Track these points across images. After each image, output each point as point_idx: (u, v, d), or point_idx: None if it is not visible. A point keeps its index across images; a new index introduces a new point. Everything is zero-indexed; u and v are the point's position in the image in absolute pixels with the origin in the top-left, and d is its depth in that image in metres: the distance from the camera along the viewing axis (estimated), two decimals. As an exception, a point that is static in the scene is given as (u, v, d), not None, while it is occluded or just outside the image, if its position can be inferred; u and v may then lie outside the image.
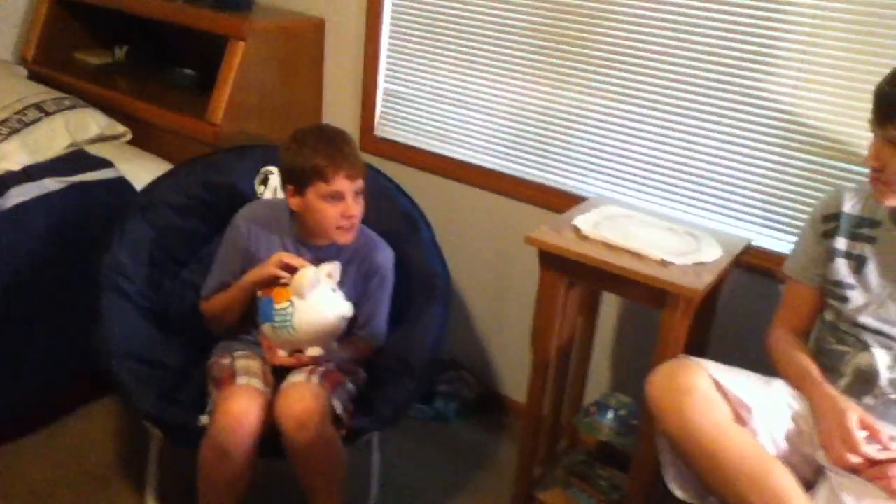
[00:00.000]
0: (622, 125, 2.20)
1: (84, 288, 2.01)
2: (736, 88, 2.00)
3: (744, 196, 2.06)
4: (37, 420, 2.31)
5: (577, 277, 1.92)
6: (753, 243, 2.01)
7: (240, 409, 1.71)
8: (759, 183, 2.03)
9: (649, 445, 1.77)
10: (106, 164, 2.44)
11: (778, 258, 1.90)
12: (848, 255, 1.64)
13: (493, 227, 2.51)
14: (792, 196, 1.99)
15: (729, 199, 2.08)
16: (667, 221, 2.02)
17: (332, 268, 1.87)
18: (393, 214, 2.19)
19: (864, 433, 1.49)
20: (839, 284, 1.64)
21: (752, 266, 2.03)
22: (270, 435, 1.74)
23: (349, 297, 1.93)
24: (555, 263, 1.89)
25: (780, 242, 2.01)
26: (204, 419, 1.78)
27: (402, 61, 2.58)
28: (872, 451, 1.48)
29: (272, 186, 2.19)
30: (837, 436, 1.50)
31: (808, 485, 1.52)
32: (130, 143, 2.67)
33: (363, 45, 2.62)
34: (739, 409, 1.53)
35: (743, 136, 2.02)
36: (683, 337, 1.77)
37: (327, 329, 1.85)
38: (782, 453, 1.55)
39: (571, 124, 2.29)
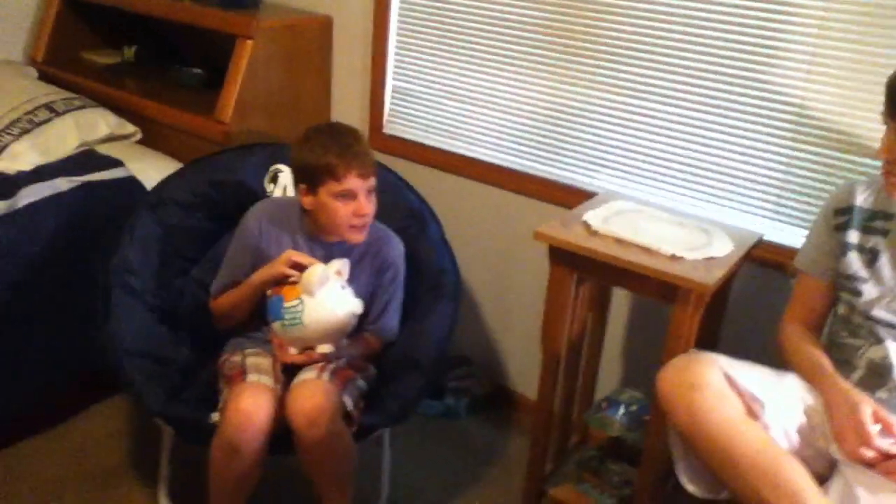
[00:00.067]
0: (631, 119, 2.19)
1: (92, 285, 2.01)
2: (746, 81, 1.99)
3: (755, 190, 2.05)
4: (44, 420, 2.32)
5: (587, 273, 1.92)
6: (765, 237, 2.00)
7: (250, 406, 1.71)
8: (770, 176, 2.02)
9: (660, 440, 1.77)
10: (116, 163, 2.45)
11: (789, 252, 1.89)
12: (860, 249, 1.63)
13: (503, 223, 2.51)
14: (803, 189, 1.98)
15: (740, 193, 2.07)
16: (677, 216, 2.01)
17: (341, 265, 1.87)
18: (402, 211, 2.19)
19: (877, 427, 1.48)
20: (852, 278, 1.63)
21: (763, 260, 2.02)
22: (280, 432, 1.75)
23: (363, 293, 1.93)
24: (564, 259, 1.88)
25: (792, 236, 2.00)
26: (215, 416, 1.78)
27: (409, 58, 2.58)
28: (886, 444, 1.46)
29: (281, 184, 2.19)
30: (851, 429, 1.49)
31: (822, 479, 1.51)
32: (140, 142, 2.67)
33: (371, 43, 2.62)
34: (751, 404, 1.52)
35: (753, 129, 2.01)
36: (694, 332, 1.76)
37: (337, 326, 1.85)
38: (795, 447, 1.54)
39: (580, 119, 2.28)
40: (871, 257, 1.61)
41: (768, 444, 1.47)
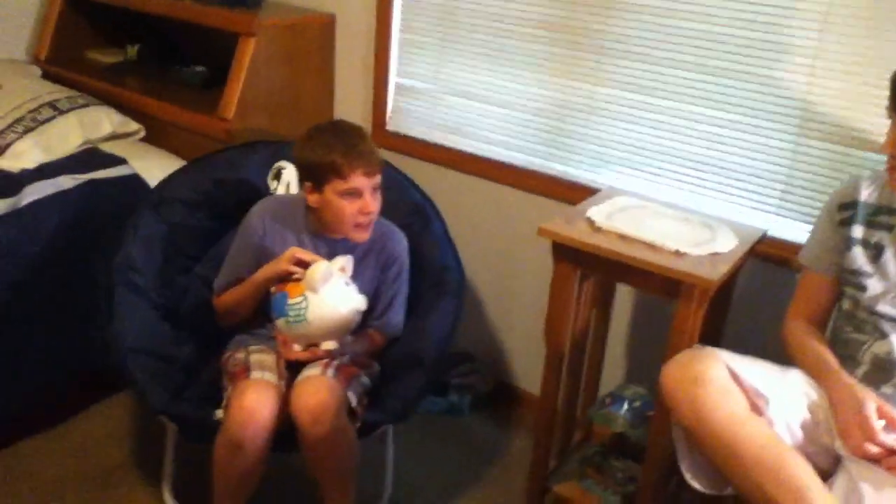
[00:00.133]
0: (634, 115, 2.19)
1: (95, 283, 2.02)
2: (750, 76, 1.99)
3: (759, 185, 2.04)
4: (45, 420, 2.32)
5: (591, 269, 1.91)
6: (769, 233, 1.99)
7: (254, 402, 1.71)
8: (774, 172, 2.01)
9: (664, 436, 1.76)
10: (119, 161, 2.45)
11: (794, 247, 1.88)
12: (865, 244, 1.63)
13: (506, 219, 2.50)
14: (808, 185, 1.97)
15: (744, 189, 2.06)
16: (681, 212, 2.01)
17: (345, 261, 1.87)
18: (405, 208, 2.19)
19: (882, 422, 1.48)
20: (856, 273, 1.63)
21: (767, 256, 2.01)
22: (284, 428, 1.75)
23: (368, 289, 1.93)
24: (568, 255, 1.88)
25: (797, 232, 1.99)
26: (219, 413, 1.78)
27: (412, 56, 2.58)
28: (891, 440, 1.46)
29: (285, 181, 2.19)
30: (855, 425, 1.48)
31: (826, 475, 1.50)
32: (143, 140, 2.67)
33: (374, 40, 2.62)
34: (755, 399, 1.52)
35: (757, 124, 2.01)
36: (698, 327, 1.76)
37: (341, 322, 1.85)
38: (799, 443, 1.53)
39: (583, 115, 2.28)
40: (875, 252, 1.61)
41: (772, 439, 1.47)
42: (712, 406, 1.48)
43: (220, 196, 2.17)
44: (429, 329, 2.02)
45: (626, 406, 2.02)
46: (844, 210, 1.67)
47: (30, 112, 2.49)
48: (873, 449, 1.46)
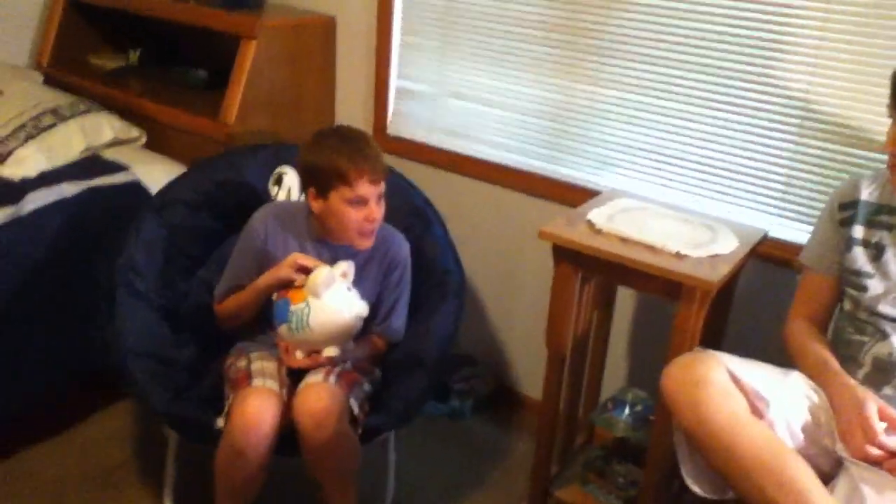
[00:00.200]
0: (635, 116, 2.18)
1: (97, 289, 2.02)
2: (750, 77, 1.98)
3: (760, 186, 2.03)
4: (48, 424, 2.33)
5: (592, 271, 1.91)
6: (770, 234, 1.99)
7: (255, 410, 1.71)
8: (774, 172, 2.00)
9: (665, 440, 1.76)
10: (121, 167, 2.45)
11: (795, 248, 1.88)
12: (865, 244, 1.62)
13: (507, 222, 2.50)
14: (808, 185, 1.96)
15: (745, 190, 2.06)
16: (681, 213, 2.00)
17: (347, 266, 1.87)
18: (406, 212, 2.19)
19: (884, 424, 1.47)
20: (857, 273, 1.62)
21: (768, 257, 2.01)
22: (285, 435, 1.75)
23: (371, 294, 1.93)
24: (569, 258, 1.88)
25: (797, 232, 1.99)
26: (220, 421, 1.78)
27: (413, 58, 2.58)
28: (892, 442, 1.45)
29: (286, 187, 2.19)
30: (857, 427, 1.47)
31: (827, 477, 1.49)
32: (145, 145, 2.68)
33: (374, 43, 2.62)
34: (756, 402, 1.51)
35: (758, 124, 2.00)
36: (699, 329, 1.75)
37: (343, 328, 1.84)
38: (800, 445, 1.52)
39: (584, 117, 2.27)
40: (876, 252, 1.60)
41: (773, 442, 1.46)
42: (713, 409, 1.48)
43: (221, 198, 2.18)
44: (430, 331, 2.02)
45: (627, 410, 2.02)
46: (845, 210, 1.66)
47: (31, 119, 2.50)
48: (875, 451, 1.45)
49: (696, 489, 1.61)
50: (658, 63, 2.10)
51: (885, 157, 1.57)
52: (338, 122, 2.79)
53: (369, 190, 1.83)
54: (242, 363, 1.87)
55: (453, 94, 2.52)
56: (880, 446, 1.45)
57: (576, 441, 2.28)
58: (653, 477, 1.89)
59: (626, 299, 2.29)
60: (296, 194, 2.17)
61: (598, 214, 1.94)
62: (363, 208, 1.84)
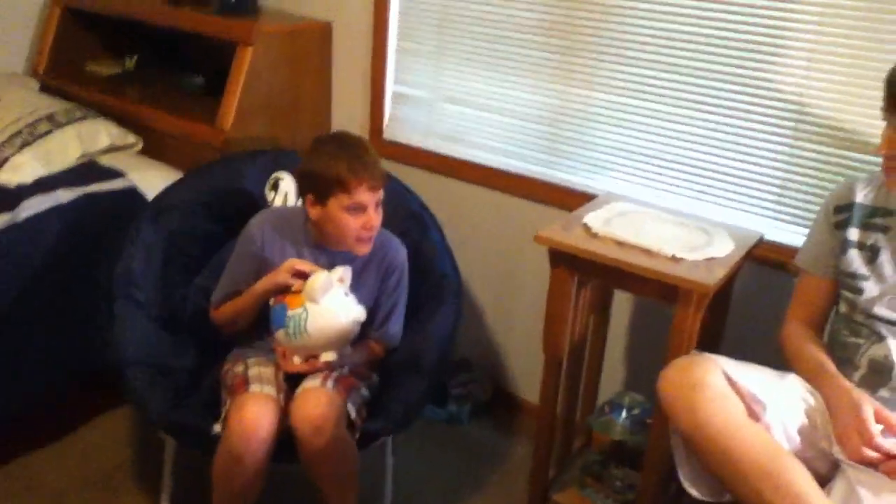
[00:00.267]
0: (630, 120, 2.19)
1: (94, 296, 2.02)
2: (746, 80, 1.99)
3: (755, 189, 2.04)
4: (48, 429, 2.33)
5: (588, 275, 1.91)
6: (766, 237, 1.99)
7: (253, 416, 1.71)
8: (770, 175, 2.01)
9: (663, 444, 1.76)
10: (117, 174, 2.45)
11: (791, 251, 1.88)
12: (861, 246, 1.62)
13: (503, 226, 2.50)
14: (804, 188, 1.97)
15: (741, 193, 2.06)
16: (677, 216, 2.00)
17: (343, 271, 1.87)
18: (402, 216, 2.19)
19: (880, 426, 1.47)
20: (853, 275, 1.62)
21: (765, 259, 2.01)
22: (283, 440, 1.75)
23: (368, 299, 1.93)
24: (565, 262, 1.88)
25: (793, 235, 1.99)
26: (217, 427, 1.78)
27: (409, 63, 2.58)
28: (889, 444, 1.46)
29: (282, 192, 2.19)
30: (853, 429, 1.48)
31: (824, 480, 1.50)
32: (141, 151, 2.68)
33: (370, 48, 2.62)
34: (752, 405, 1.51)
35: (753, 128, 2.00)
36: (696, 333, 1.75)
37: (341, 333, 1.84)
38: (796, 448, 1.53)
39: (579, 121, 2.28)
40: (871, 254, 1.61)
41: (770, 445, 1.46)
42: (710, 412, 1.48)
43: (218, 205, 2.18)
44: (428, 336, 2.02)
45: (624, 413, 2.02)
46: (840, 212, 1.66)
47: (27, 126, 2.50)
48: (871, 453, 1.46)
49: (693, 492, 1.61)
50: (654, 67, 2.11)
51: (880, 159, 1.57)
52: (334, 127, 2.79)
53: (368, 197, 1.83)
54: (240, 368, 1.87)
55: (449, 98, 2.52)
56: (876, 448, 1.46)
57: (573, 445, 2.27)
58: (651, 480, 1.89)
59: (622, 303, 2.29)
60: (292, 199, 2.18)
61: (594, 218, 1.94)
62: (361, 215, 1.84)
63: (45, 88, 2.86)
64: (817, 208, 1.79)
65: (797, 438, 1.54)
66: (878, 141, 1.55)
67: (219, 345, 2.01)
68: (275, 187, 2.20)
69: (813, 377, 1.61)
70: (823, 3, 1.84)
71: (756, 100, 1.98)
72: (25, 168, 2.39)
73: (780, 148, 1.98)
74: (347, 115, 2.75)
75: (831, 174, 1.92)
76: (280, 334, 1.84)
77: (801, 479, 1.41)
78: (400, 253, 2.01)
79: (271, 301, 1.87)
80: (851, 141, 1.88)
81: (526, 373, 2.58)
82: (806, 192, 1.97)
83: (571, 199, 2.24)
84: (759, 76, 1.96)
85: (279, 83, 2.58)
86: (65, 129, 2.51)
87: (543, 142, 2.36)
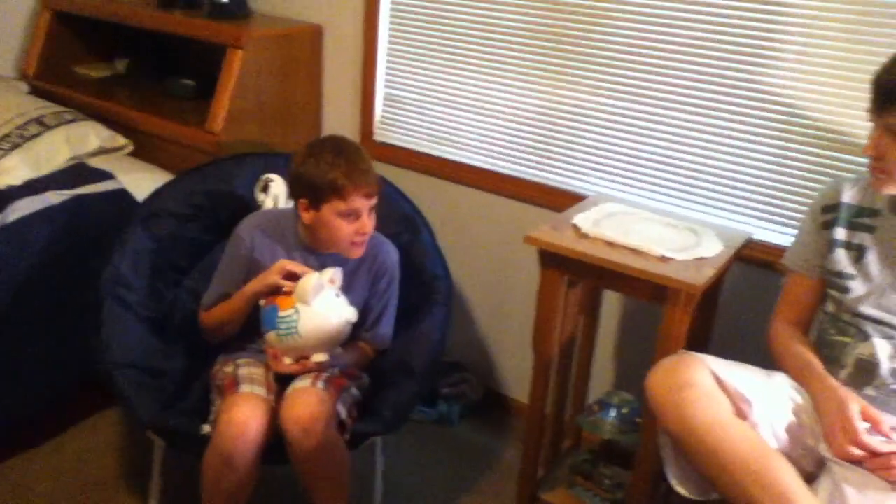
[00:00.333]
0: (620, 122, 2.20)
1: (84, 298, 2.02)
2: (734, 82, 2.00)
3: (744, 190, 2.05)
4: (39, 432, 2.32)
5: (578, 276, 1.92)
6: (754, 237, 2.00)
7: (243, 417, 1.71)
8: (758, 176, 2.02)
9: (652, 442, 1.77)
10: (107, 176, 2.45)
11: (779, 251, 1.89)
12: (847, 246, 1.64)
13: (494, 227, 2.51)
14: (792, 188, 1.98)
15: (729, 194, 2.07)
16: (667, 217, 2.02)
17: (334, 272, 1.87)
18: (394, 218, 2.19)
19: (866, 424, 1.48)
20: (840, 275, 1.63)
21: (753, 260, 2.02)
22: (274, 441, 1.74)
23: (359, 301, 1.93)
24: (555, 262, 1.89)
25: (781, 235, 2.00)
26: (206, 428, 1.78)
27: (400, 65, 2.59)
28: (874, 442, 1.46)
29: (273, 194, 2.19)
30: (839, 427, 1.49)
31: (810, 477, 1.51)
32: (131, 154, 2.68)
33: (361, 51, 2.63)
34: (740, 403, 1.52)
35: (742, 129, 2.02)
36: (685, 332, 1.76)
37: (332, 334, 1.84)
38: (783, 446, 1.54)
39: (570, 123, 2.29)
40: (858, 254, 1.62)
41: (757, 443, 1.47)
42: (697, 411, 1.49)
43: (209, 208, 2.17)
44: (420, 338, 2.02)
45: (613, 413, 2.03)
46: (827, 212, 1.67)
47: (17, 128, 2.50)
48: (857, 451, 1.47)
49: (681, 490, 1.62)
50: (643, 69, 2.12)
51: (867, 160, 1.58)
52: (325, 129, 2.80)
53: (363, 204, 1.83)
54: (229, 369, 1.87)
55: (440, 100, 2.53)
56: (862, 446, 1.46)
57: (563, 444, 2.28)
58: (641, 479, 1.90)
59: (612, 303, 2.30)
60: (283, 202, 2.18)
61: (583, 219, 1.95)
62: (355, 221, 1.84)
63: (35, 91, 2.86)
64: (805, 209, 1.81)
65: (784, 437, 1.55)
66: (865, 142, 1.56)
67: (209, 349, 2.00)
68: (265, 189, 2.20)
69: (800, 376, 1.62)
70: (812, 6, 1.85)
71: (745, 101, 1.99)
72: (15, 170, 2.39)
73: (768, 149, 1.99)
74: (338, 118, 2.75)
75: (819, 175, 1.93)
76: (271, 336, 1.84)
77: (788, 476, 1.42)
78: (391, 255, 2.01)
79: (262, 302, 1.87)
80: (839, 142, 1.89)
81: (516, 373, 2.59)
82: (794, 193, 1.98)
83: (562, 200, 2.25)
84: (749, 78, 1.98)
85: (270, 86, 2.58)
86: (54, 132, 2.51)
87: (534, 143, 2.37)
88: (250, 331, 1.94)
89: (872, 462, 1.46)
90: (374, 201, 1.86)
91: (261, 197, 2.20)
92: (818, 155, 1.93)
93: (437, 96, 2.53)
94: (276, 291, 1.85)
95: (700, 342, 1.96)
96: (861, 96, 1.80)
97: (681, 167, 2.13)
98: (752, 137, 2.00)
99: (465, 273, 2.57)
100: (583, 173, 2.30)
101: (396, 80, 2.61)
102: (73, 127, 2.57)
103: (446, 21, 2.44)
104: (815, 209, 1.71)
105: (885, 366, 1.54)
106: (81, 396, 2.37)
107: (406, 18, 2.52)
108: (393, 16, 2.55)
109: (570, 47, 2.23)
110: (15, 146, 2.44)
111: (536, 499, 2.11)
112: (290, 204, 2.00)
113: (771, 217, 2.02)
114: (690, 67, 2.05)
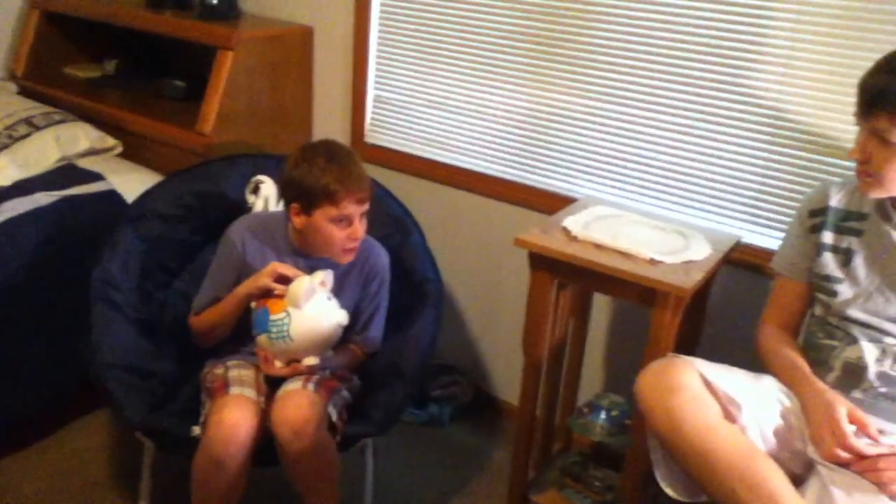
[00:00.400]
0: (610, 125, 2.20)
1: (75, 300, 2.01)
2: (722, 85, 2.01)
3: (732, 193, 2.06)
4: (29, 434, 2.31)
5: (568, 278, 1.93)
6: (743, 240, 2.01)
7: (233, 419, 1.71)
8: (747, 180, 2.03)
9: (642, 445, 1.78)
10: (96, 177, 2.44)
11: (767, 254, 1.90)
12: (835, 249, 1.64)
13: (484, 230, 2.52)
14: (780, 192, 1.99)
15: (718, 197, 2.08)
16: (656, 220, 2.03)
17: (325, 275, 1.87)
18: (384, 220, 2.19)
19: (853, 427, 1.49)
20: (827, 278, 1.64)
21: (741, 263, 2.03)
22: (264, 443, 1.74)
23: (350, 304, 1.93)
24: (545, 265, 1.90)
25: (769, 239, 2.01)
26: (196, 430, 1.77)
27: (391, 67, 2.59)
28: (862, 444, 1.47)
29: (263, 196, 2.19)
30: (827, 430, 1.50)
31: (798, 480, 1.52)
32: (121, 155, 2.67)
33: (352, 53, 2.63)
34: (728, 406, 1.53)
35: (730, 133, 2.03)
36: (674, 335, 1.77)
37: (324, 337, 1.84)
38: (771, 449, 1.55)
39: (559, 126, 2.29)
40: (845, 258, 1.63)
41: (745, 446, 1.48)
42: (686, 414, 1.50)
43: (198, 209, 2.17)
44: (410, 340, 2.02)
45: (604, 415, 2.03)
46: (815, 216, 1.68)
47: (5, 129, 2.49)
48: (844, 454, 1.48)
49: (670, 492, 1.63)
50: (632, 73, 2.13)
51: (854, 164, 1.60)
52: (316, 130, 2.80)
53: (355, 209, 1.83)
54: (220, 371, 1.87)
55: (430, 103, 2.53)
56: (849, 449, 1.47)
57: (553, 446, 2.29)
58: (630, 482, 1.91)
59: (602, 306, 2.31)
60: (273, 204, 2.18)
61: (573, 222, 1.96)
62: (347, 227, 1.84)
63: (24, 92, 2.85)
64: (793, 212, 1.82)
65: (773, 439, 1.56)
66: (851, 146, 1.57)
67: (199, 351, 1.99)
68: (255, 191, 2.19)
69: (788, 379, 1.63)
70: (799, 10, 1.87)
71: (733, 105, 2.00)
72: (4, 171, 2.38)
73: (756, 153, 2.00)
74: (329, 120, 2.75)
75: (807, 179, 1.94)
76: (262, 339, 1.84)
77: (776, 479, 1.43)
78: (382, 258, 2.02)
79: (253, 305, 1.87)
80: (826, 146, 1.90)
81: (506, 375, 2.60)
82: (782, 197, 1.99)
83: (551, 203, 2.25)
84: (737, 82, 1.99)
85: (260, 87, 2.58)
86: (43, 133, 2.50)
87: (524, 146, 2.38)
88: (241, 333, 1.94)
89: (860, 464, 1.47)
90: (365, 207, 1.86)
91: (251, 199, 2.19)
92: (805, 158, 1.94)
93: (427, 99, 2.54)
94: (267, 294, 1.85)
95: (689, 345, 1.97)
96: (847, 100, 1.81)
97: (669, 170, 2.14)
98: (741, 141, 2.02)
99: (455, 275, 2.57)
100: (572, 176, 2.31)
101: (387, 83, 2.61)
102: (63, 128, 2.56)
103: (437, 24, 2.45)
104: (802, 213, 1.72)
105: (872, 369, 1.55)
106: (81, 396, 2.36)
107: (396, 21, 2.53)
108: (383, 18, 2.56)
109: (559, 51, 2.23)
110: (4, 147, 2.43)
111: (527, 500, 2.11)
112: (281, 206, 2.00)
113: (759, 220, 2.04)
114: (679, 71, 2.06)
